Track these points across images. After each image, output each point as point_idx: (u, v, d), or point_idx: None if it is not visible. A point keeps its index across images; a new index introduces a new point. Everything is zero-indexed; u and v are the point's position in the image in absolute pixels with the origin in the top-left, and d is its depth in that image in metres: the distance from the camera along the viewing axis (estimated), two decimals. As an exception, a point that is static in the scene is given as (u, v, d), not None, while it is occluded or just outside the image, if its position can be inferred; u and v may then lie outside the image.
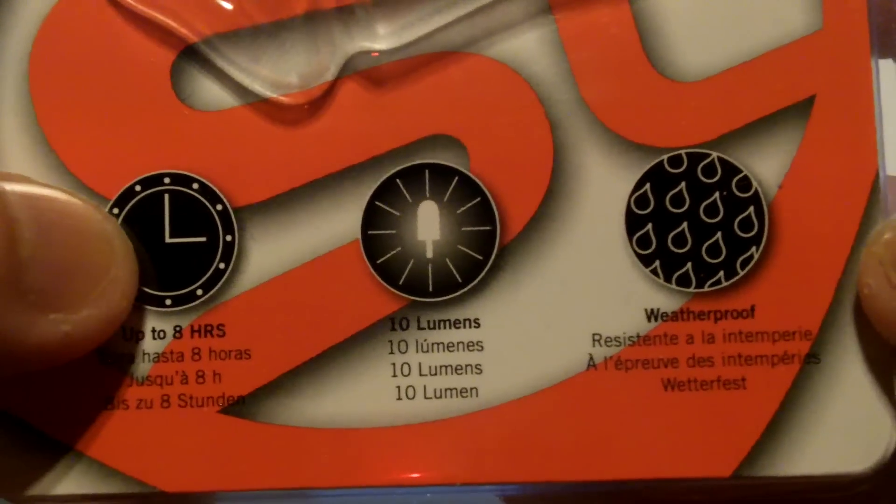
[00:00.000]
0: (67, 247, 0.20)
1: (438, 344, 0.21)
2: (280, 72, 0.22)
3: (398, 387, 0.21)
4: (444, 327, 0.21)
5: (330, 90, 0.22)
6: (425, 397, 0.21)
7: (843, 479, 0.21)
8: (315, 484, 0.21)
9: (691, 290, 0.21)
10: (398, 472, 0.21)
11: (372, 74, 0.22)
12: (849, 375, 0.21)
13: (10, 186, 0.20)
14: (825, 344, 0.21)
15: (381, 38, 0.22)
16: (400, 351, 0.21)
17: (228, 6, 0.22)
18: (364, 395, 0.21)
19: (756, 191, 0.21)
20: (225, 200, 0.21)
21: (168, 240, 0.21)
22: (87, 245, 0.20)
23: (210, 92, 0.22)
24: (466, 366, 0.21)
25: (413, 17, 0.22)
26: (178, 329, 0.21)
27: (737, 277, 0.21)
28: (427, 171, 0.22)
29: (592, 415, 0.21)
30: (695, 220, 0.21)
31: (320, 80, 0.22)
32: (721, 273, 0.21)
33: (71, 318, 0.20)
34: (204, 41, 0.22)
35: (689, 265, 0.21)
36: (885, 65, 0.22)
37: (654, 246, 0.21)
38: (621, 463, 0.21)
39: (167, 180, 0.21)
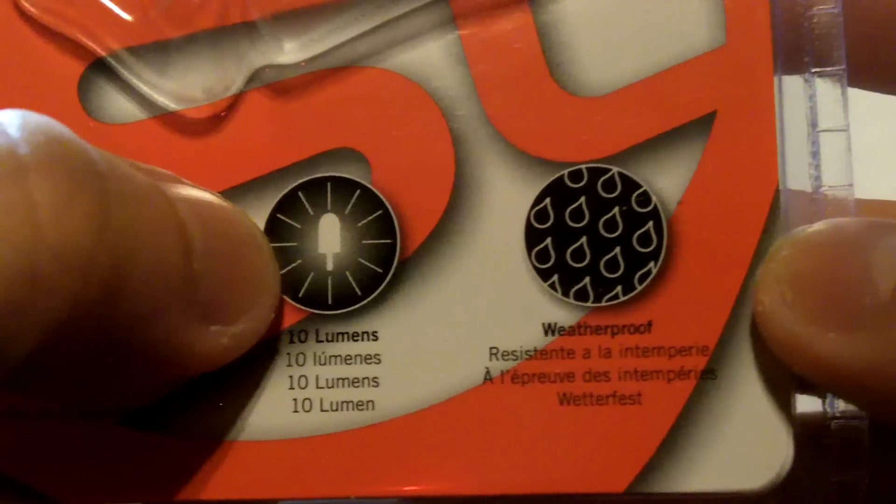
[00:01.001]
0: (230, 256, 0.20)
1: (336, 357, 0.21)
2: (186, 85, 0.22)
3: (294, 399, 0.21)
4: (343, 340, 0.21)
5: (235, 104, 0.22)
6: (322, 410, 0.21)
7: (739, 497, 0.21)
8: (209, 496, 0.21)
9: (589, 304, 0.21)
10: (292, 486, 0.21)
11: (277, 88, 0.22)
12: (745, 392, 0.21)
13: (178, 191, 0.19)
14: (722, 360, 0.21)
15: (287, 52, 0.22)
16: (298, 364, 0.21)
17: (137, 20, 0.22)
18: (261, 408, 0.21)
19: (655, 206, 0.21)
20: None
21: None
22: (244, 254, 0.20)
23: (117, 105, 0.22)
24: (364, 379, 0.21)
25: (319, 31, 0.22)
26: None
27: (634, 292, 0.21)
28: (329, 184, 0.22)
29: (488, 429, 0.21)
30: (594, 234, 0.21)
31: (226, 93, 0.22)
32: (619, 288, 0.21)
33: (230, 331, 0.20)
34: (112, 54, 0.22)
35: (587, 280, 0.21)
36: (793, 81, 0.22)
37: (552, 260, 0.21)
38: (516, 478, 0.21)
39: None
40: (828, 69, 0.22)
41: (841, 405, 0.21)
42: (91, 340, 0.17)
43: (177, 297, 0.18)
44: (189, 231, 0.19)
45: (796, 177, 0.22)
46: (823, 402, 0.21)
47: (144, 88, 0.22)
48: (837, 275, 0.19)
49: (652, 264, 0.21)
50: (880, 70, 0.24)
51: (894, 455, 0.22)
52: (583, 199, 0.21)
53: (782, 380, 0.21)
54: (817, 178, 0.22)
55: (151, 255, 0.18)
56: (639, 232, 0.21)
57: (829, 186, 0.22)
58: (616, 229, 0.21)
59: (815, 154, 0.22)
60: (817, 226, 0.20)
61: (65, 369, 0.18)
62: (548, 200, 0.21)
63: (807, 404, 0.21)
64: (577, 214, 0.21)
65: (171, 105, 0.22)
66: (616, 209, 0.21)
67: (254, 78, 0.22)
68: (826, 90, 0.22)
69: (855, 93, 0.24)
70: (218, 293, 0.19)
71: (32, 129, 0.17)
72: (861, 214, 0.23)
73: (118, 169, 0.18)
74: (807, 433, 0.21)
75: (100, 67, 0.22)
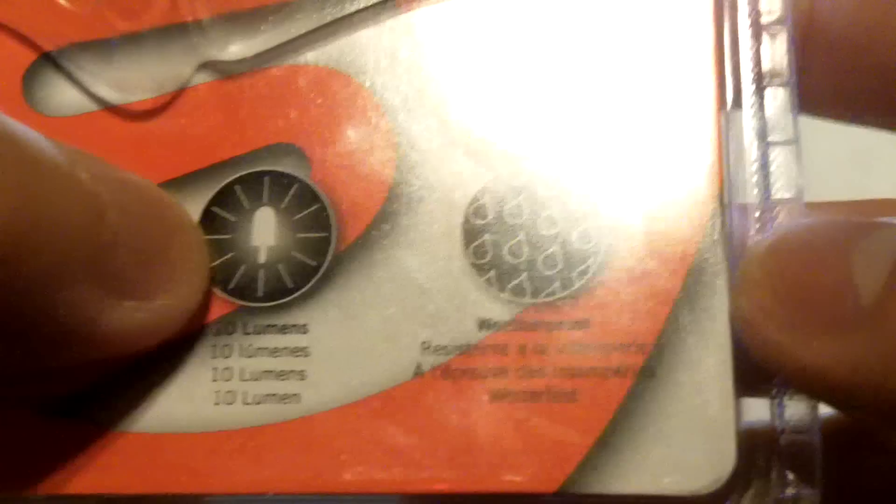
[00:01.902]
0: (147, 234, 0.20)
1: (263, 349, 0.21)
2: (131, 78, 0.22)
3: (217, 392, 0.21)
4: (271, 332, 0.21)
5: (179, 97, 0.22)
6: (244, 403, 0.20)
7: (676, 500, 0.20)
8: (125, 489, 0.20)
9: (525, 300, 0.21)
10: (212, 481, 0.20)
11: (221, 83, 0.22)
12: (683, 392, 0.20)
13: (94, 168, 0.19)
14: (660, 358, 0.20)
15: (232, 48, 0.22)
16: (223, 356, 0.21)
17: (85, 14, 0.22)
18: (182, 400, 0.21)
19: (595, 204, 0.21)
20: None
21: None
22: (165, 234, 0.20)
23: (61, 97, 0.22)
24: (290, 372, 0.21)
25: (263, 28, 0.22)
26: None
27: (572, 289, 0.21)
28: (266, 178, 0.21)
29: (417, 425, 0.20)
30: (532, 231, 0.21)
31: (170, 87, 0.22)
32: (556, 284, 0.21)
33: (146, 307, 0.19)
34: (58, 48, 0.22)
35: (524, 276, 0.21)
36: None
37: (490, 255, 0.21)
38: (444, 475, 0.20)
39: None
40: (776, 81, 0.22)
41: (792, 414, 0.20)
42: None
43: (83, 265, 0.18)
44: (101, 201, 0.18)
45: (743, 187, 0.22)
46: (772, 408, 0.20)
47: (90, 81, 0.22)
48: (817, 279, 0.19)
49: (591, 261, 0.20)
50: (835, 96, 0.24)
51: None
52: (521, 196, 0.21)
53: (723, 381, 0.20)
54: (766, 189, 0.21)
55: (56, 217, 0.17)
56: (578, 229, 0.21)
57: (778, 200, 0.21)
58: (555, 226, 0.21)
59: (764, 167, 0.21)
60: (794, 227, 0.20)
61: None
62: (486, 197, 0.21)
63: (757, 412, 0.21)
64: (516, 211, 0.21)
65: (116, 97, 0.22)
66: (555, 206, 0.21)
67: (198, 73, 0.22)
68: (775, 102, 0.22)
69: None
70: (132, 267, 0.19)
71: None
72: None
73: (12, 130, 0.17)
74: (756, 443, 0.20)
75: (46, 61, 0.22)
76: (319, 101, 0.22)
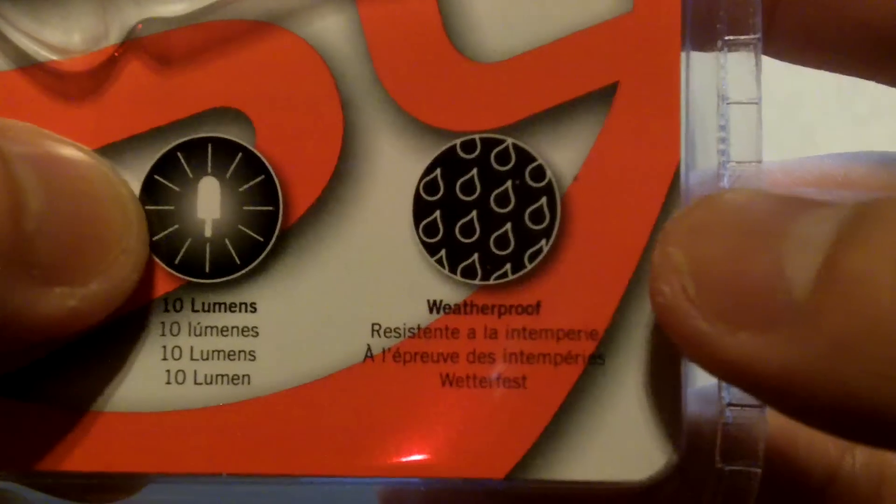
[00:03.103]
0: (78, 216, 0.19)
1: (212, 328, 0.20)
2: (62, 35, 0.21)
3: (168, 371, 0.20)
4: (219, 311, 0.20)
5: (115, 56, 0.21)
6: (195, 383, 0.20)
7: (623, 488, 0.20)
8: (72, 467, 0.20)
9: (476, 282, 0.20)
10: (162, 461, 0.20)
11: (159, 41, 0.21)
12: (633, 379, 0.20)
13: (18, 147, 0.18)
14: (611, 345, 0.20)
15: (172, 2, 0.21)
16: (172, 333, 0.20)
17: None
18: (132, 379, 0.20)
19: (550, 181, 0.20)
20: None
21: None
22: (99, 213, 0.19)
23: (-12, 53, 0.21)
24: (240, 352, 0.20)
25: (203, -19, 0.21)
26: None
27: (524, 271, 0.20)
28: (210, 145, 0.20)
29: (366, 408, 0.20)
30: (484, 209, 0.20)
31: (104, 44, 0.21)
32: (508, 266, 0.20)
33: (78, 292, 0.19)
34: (-18, 0, 0.20)
35: (475, 256, 0.20)
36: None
37: (440, 234, 0.20)
38: (392, 460, 0.20)
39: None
40: (741, 38, 0.20)
41: (735, 393, 0.20)
42: None
43: (2, 255, 0.17)
44: (23, 189, 0.18)
45: (705, 152, 0.21)
46: (719, 390, 0.20)
47: (19, 37, 0.21)
48: (745, 267, 0.18)
49: (543, 242, 0.20)
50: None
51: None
52: (475, 170, 0.20)
53: (673, 369, 0.20)
54: (725, 152, 0.20)
55: None
56: (531, 208, 0.20)
57: (737, 162, 0.20)
58: (508, 204, 0.20)
59: (724, 127, 0.20)
60: (720, 203, 0.19)
61: None
62: (438, 171, 0.20)
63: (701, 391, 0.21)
64: (469, 187, 0.20)
65: (46, 55, 0.21)
66: (509, 183, 0.20)
67: (135, 30, 0.21)
68: (739, 60, 0.21)
69: (854, 95, 0.23)
70: (61, 253, 0.18)
71: None
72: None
73: None
74: (700, 420, 0.20)
75: (-30, 13, 0.21)
76: (265, 62, 0.20)
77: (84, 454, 0.20)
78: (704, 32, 0.21)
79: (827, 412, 0.17)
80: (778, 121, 0.27)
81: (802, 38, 0.22)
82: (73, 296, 0.19)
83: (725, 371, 0.18)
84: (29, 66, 0.21)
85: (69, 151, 0.20)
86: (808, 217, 0.18)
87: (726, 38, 0.21)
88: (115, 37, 0.21)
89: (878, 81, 0.23)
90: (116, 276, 0.19)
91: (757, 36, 0.21)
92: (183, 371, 0.20)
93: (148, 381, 0.20)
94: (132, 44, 0.21)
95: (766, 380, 0.17)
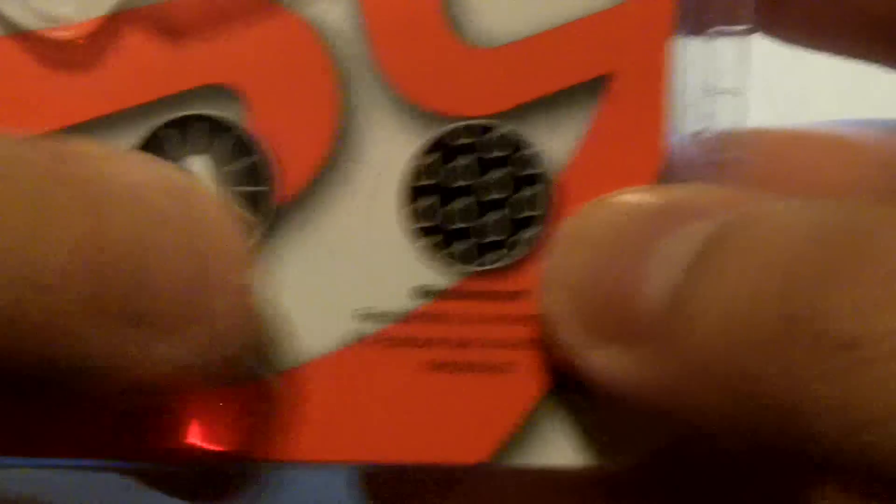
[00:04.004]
0: (179, 252, 0.17)
1: (199, 306, 0.20)
2: (55, 2, 0.20)
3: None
4: (207, 289, 0.20)
5: (106, 27, 0.20)
6: (180, 362, 0.20)
7: (605, 472, 0.20)
8: None
9: (465, 268, 0.20)
10: (136, 448, 0.20)
11: (151, 13, 0.20)
12: (618, 368, 0.20)
13: (104, 175, 0.16)
14: (597, 334, 0.20)
15: (166, -25, 0.20)
16: (159, 311, 0.20)
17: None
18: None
19: (542, 168, 0.20)
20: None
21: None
22: (200, 246, 0.17)
23: (-24, 21, 0.20)
24: (228, 332, 0.20)
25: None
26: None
27: (514, 258, 0.20)
28: (201, 123, 0.20)
29: (352, 394, 0.20)
30: (476, 195, 0.20)
31: (98, 13, 0.20)
32: (497, 253, 0.20)
33: (173, 341, 0.17)
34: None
35: (465, 242, 0.20)
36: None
37: (430, 219, 0.20)
38: (378, 445, 0.20)
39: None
40: (731, 28, 0.21)
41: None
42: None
43: (84, 303, 0.16)
44: (110, 223, 0.16)
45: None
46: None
47: (7, 3, 0.20)
48: (615, 281, 0.18)
49: (534, 229, 0.20)
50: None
51: None
52: (467, 156, 0.20)
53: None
54: (711, 142, 0.21)
55: (49, 257, 0.15)
56: (523, 194, 0.20)
57: (723, 151, 0.21)
58: (499, 191, 0.20)
59: (710, 116, 0.21)
60: (600, 213, 0.19)
61: None
62: (432, 155, 0.20)
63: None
64: (461, 172, 0.20)
65: (27, 22, 0.20)
66: (501, 169, 0.20)
67: (130, 0, 0.20)
68: (727, 50, 0.21)
69: (855, 95, 0.23)
70: (159, 302, 0.16)
71: None
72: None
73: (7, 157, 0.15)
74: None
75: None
76: (259, 38, 0.20)
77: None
78: (696, 23, 0.21)
79: (679, 424, 0.18)
80: (778, 121, 0.27)
81: (807, 21, 0.23)
82: (174, 345, 0.17)
83: (596, 382, 0.18)
84: (20, 34, 0.20)
85: (169, 175, 0.18)
86: (676, 233, 0.18)
87: (716, 28, 0.21)
88: (109, 6, 0.20)
89: (883, 65, 0.23)
90: (216, 328, 0.17)
91: (746, 27, 0.21)
92: (169, 349, 0.20)
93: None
94: (128, 14, 0.20)
95: (629, 394, 0.18)
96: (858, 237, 0.16)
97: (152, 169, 0.18)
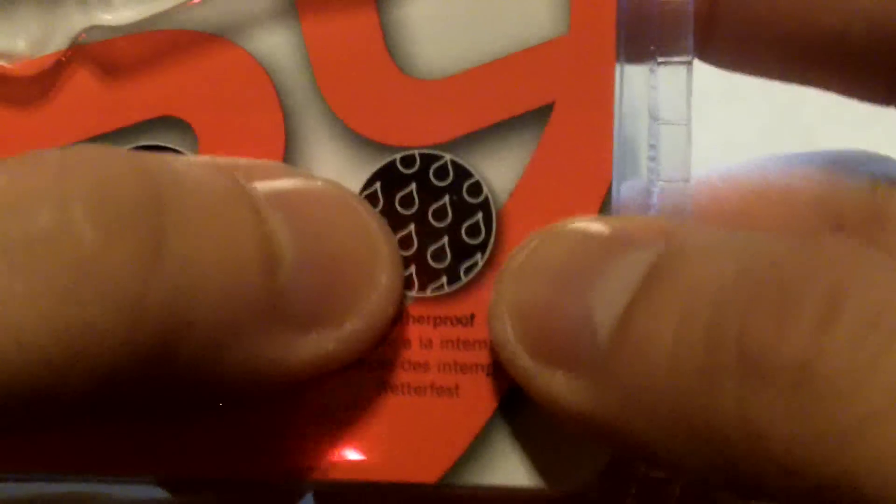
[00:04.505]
0: (328, 258, 0.18)
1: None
2: (7, 39, 0.21)
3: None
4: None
5: (61, 62, 0.21)
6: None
7: (554, 495, 0.21)
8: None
9: (413, 293, 0.21)
10: (85, 461, 0.21)
11: (103, 49, 0.21)
12: (562, 390, 0.21)
13: (265, 187, 0.18)
14: (541, 357, 0.21)
15: (116, 12, 0.21)
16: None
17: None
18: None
19: (486, 197, 0.21)
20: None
21: None
22: (348, 251, 0.19)
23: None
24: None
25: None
26: None
27: (459, 284, 0.21)
28: (155, 152, 0.21)
29: (301, 414, 0.21)
30: (422, 223, 0.21)
31: (49, 49, 0.21)
32: (444, 278, 0.21)
33: (333, 335, 0.19)
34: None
35: (412, 268, 0.21)
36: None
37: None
38: (326, 464, 0.21)
39: None
40: (674, 59, 0.21)
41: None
42: (158, 378, 0.16)
43: (258, 315, 0.17)
44: (277, 240, 0.18)
45: (636, 171, 0.22)
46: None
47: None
48: (561, 309, 0.19)
49: (479, 256, 0.21)
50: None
51: None
52: (413, 185, 0.21)
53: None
54: (654, 170, 0.21)
55: (223, 280, 0.17)
56: (468, 223, 0.21)
57: (666, 181, 0.21)
58: (445, 218, 0.21)
59: (654, 147, 0.21)
60: (547, 242, 0.20)
61: (132, 405, 0.17)
62: (378, 185, 0.21)
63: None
64: (407, 201, 0.21)
65: (-11, 61, 0.21)
66: (446, 198, 0.21)
67: (80, 37, 0.21)
68: (670, 81, 0.21)
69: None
70: (314, 299, 0.18)
71: (76, 158, 0.16)
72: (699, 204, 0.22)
73: (181, 183, 0.17)
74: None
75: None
76: (208, 72, 0.21)
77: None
78: (638, 55, 0.21)
79: (629, 454, 0.19)
80: (778, 121, 0.27)
81: (740, 47, 0.23)
82: (328, 339, 0.19)
83: (547, 408, 0.19)
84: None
85: (315, 186, 0.19)
86: (619, 261, 0.19)
87: (659, 59, 0.21)
88: (60, 42, 0.21)
89: (816, 87, 0.24)
90: (370, 314, 0.19)
91: (688, 58, 0.21)
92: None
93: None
94: (78, 50, 0.21)
95: (574, 419, 0.19)
96: (786, 270, 0.17)
97: (302, 177, 0.19)
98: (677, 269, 0.17)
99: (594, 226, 0.20)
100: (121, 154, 0.17)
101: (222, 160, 0.19)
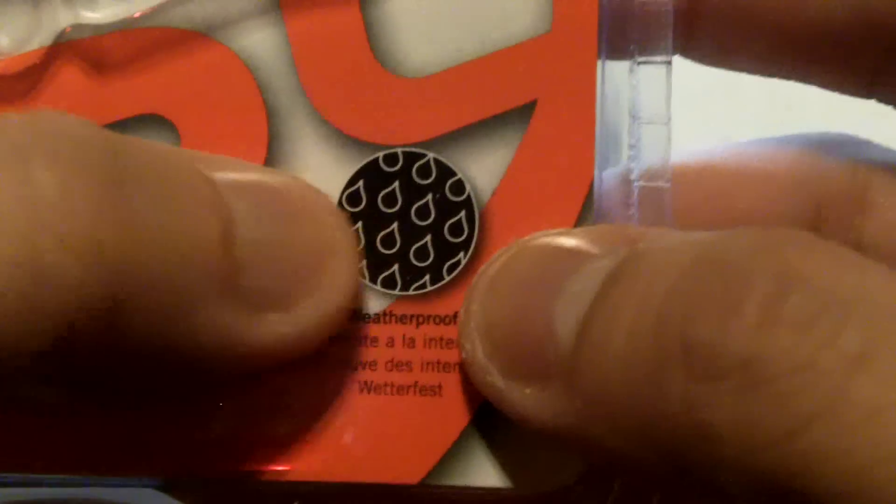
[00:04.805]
0: (285, 239, 0.19)
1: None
2: (-11, 37, 0.21)
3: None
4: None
5: (43, 61, 0.21)
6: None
7: (533, 494, 0.21)
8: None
9: (396, 292, 0.21)
10: (68, 462, 0.20)
11: (91, 45, 0.21)
12: (545, 389, 0.21)
13: (226, 176, 0.18)
14: (524, 355, 0.21)
15: (102, 8, 0.21)
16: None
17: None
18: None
19: (469, 195, 0.21)
20: None
21: None
22: (305, 235, 0.19)
23: None
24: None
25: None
26: None
27: (442, 282, 0.21)
28: (136, 152, 0.21)
29: (286, 414, 0.21)
30: (405, 221, 0.21)
31: (33, 46, 0.21)
32: (427, 277, 0.21)
33: (290, 318, 0.19)
34: None
35: (395, 267, 0.21)
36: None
37: (361, 245, 0.21)
38: (307, 464, 0.20)
39: None
40: (654, 59, 0.21)
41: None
42: (113, 342, 0.16)
43: (214, 285, 0.17)
44: (231, 214, 0.18)
45: (615, 167, 0.22)
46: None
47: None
48: (526, 324, 0.19)
49: (462, 255, 0.21)
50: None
51: None
52: (396, 183, 0.21)
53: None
54: (634, 170, 0.21)
55: (179, 242, 0.17)
56: (451, 221, 0.21)
57: (646, 181, 0.21)
58: (428, 217, 0.21)
59: (635, 146, 0.21)
60: (511, 259, 0.20)
61: (90, 367, 0.17)
62: (361, 183, 0.21)
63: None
64: (390, 199, 0.21)
65: (-28, 58, 0.21)
66: (429, 196, 0.21)
67: (64, 35, 0.21)
68: (650, 81, 0.21)
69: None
70: (271, 279, 0.18)
71: (38, 116, 0.16)
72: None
73: (140, 151, 0.17)
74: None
75: None
76: (191, 70, 0.21)
77: None
78: (619, 54, 0.21)
79: (596, 461, 0.19)
80: (778, 121, 0.27)
81: (719, 43, 0.23)
82: (283, 322, 0.19)
83: (521, 423, 0.19)
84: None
85: (275, 178, 0.20)
86: (580, 272, 0.19)
87: (639, 59, 0.21)
88: (45, 39, 0.21)
89: (798, 80, 0.24)
90: (323, 300, 0.19)
91: (668, 58, 0.21)
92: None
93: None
94: (63, 47, 0.21)
95: (547, 432, 0.19)
96: (730, 267, 0.16)
97: (262, 170, 0.20)
98: (632, 274, 0.17)
99: (558, 239, 0.20)
100: (82, 119, 0.17)
101: (184, 150, 0.19)
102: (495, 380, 0.19)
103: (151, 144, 0.18)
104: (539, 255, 0.19)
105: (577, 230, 0.20)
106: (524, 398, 0.19)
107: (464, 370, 0.20)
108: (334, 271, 0.19)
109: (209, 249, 0.17)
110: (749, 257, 0.16)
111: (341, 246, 0.19)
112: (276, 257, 0.18)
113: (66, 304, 0.16)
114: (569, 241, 0.19)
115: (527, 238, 0.20)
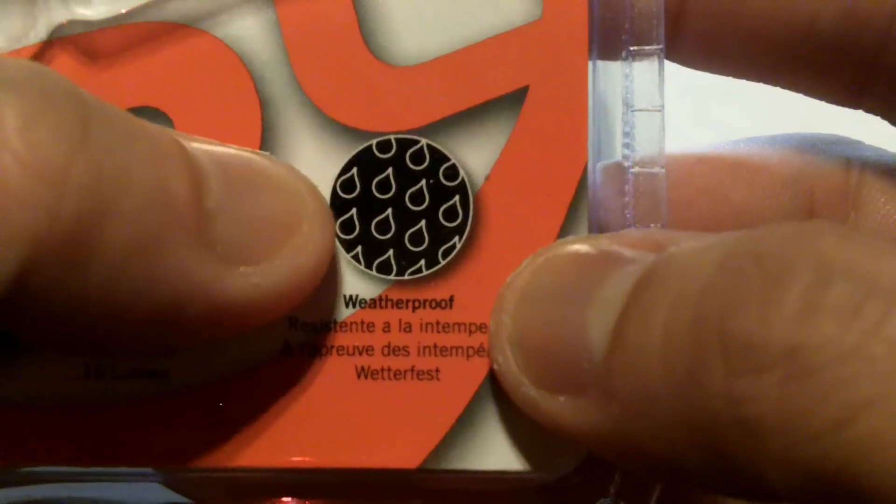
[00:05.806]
0: (256, 200, 0.19)
1: (131, 323, 0.21)
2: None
3: (87, 364, 0.21)
4: (139, 306, 0.21)
5: (40, 55, 0.21)
6: (114, 378, 0.21)
7: (535, 479, 0.21)
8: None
9: (391, 277, 0.21)
10: (83, 455, 0.20)
11: (85, 39, 0.21)
12: (543, 371, 0.21)
13: (197, 144, 0.19)
14: (521, 338, 0.21)
15: (94, 6, 0.21)
16: (91, 328, 0.21)
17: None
18: (52, 372, 0.21)
19: (463, 180, 0.21)
20: None
21: None
22: (277, 200, 0.19)
23: None
24: (159, 346, 0.21)
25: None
26: None
27: (437, 267, 0.21)
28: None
29: (284, 402, 0.21)
30: (400, 207, 0.21)
31: (28, 41, 0.21)
32: (422, 262, 0.21)
33: (260, 271, 0.19)
34: None
35: (390, 252, 0.21)
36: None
37: (356, 231, 0.21)
38: (309, 451, 0.20)
39: None
40: (645, 48, 0.21)
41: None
42: (82, 261, 0.16)
43: (186, 231, 0.18)
44: (202, 170, 0.18)
45: (611, 155, 0.22)
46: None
47: (-61, 36, 0.21)
48: (558, 334, 0.19)
49: (456, 239, 0.21)
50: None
51: None
52: (390, 170, 0.21)
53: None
54: (629, 158, 0.21)
55: (148, 181, 0.17)
56: (445, 206, 0.21)
57: (640, 167, 0.21)
58: (422, 202, 0.21)
59: (629, 133, 0.21)
60: (541, 268, 0.20)
61: (58, 299, 0.17)
62: (355, 170, 0.21)
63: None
64: (384, 186, 0.21)
65: (-31, 53, 0.21)
66: (423, 182, 0.21)
67: (59, 31, 0.21)
68: (643, 69, 0.21)
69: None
70: (242, 233, 0.19)
71: (9, 61, 0.17)
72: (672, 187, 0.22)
73: (110, 107, 0.17)
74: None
75: None
76: (185, 63, 0.21)
77: (4, 448, 0.21)
78: (610, 42, 0.22)
79: (636, 467, 0.18)
80: (778, 120, 0.27)
81: (706, 46, 0.23)
82: (255, 274, 0.19)
83: (558, 432, 0.19)
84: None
85: (246, 152, 0.20)
86: (610, 279, 0.19)
87: (631, 48, 0.21)
88: (40, 35, 0.21)
89: (780, 86, 0.24)
90: (298, 261, 0.19)
91: (660, 46, 0.22)
92: (102, 364, 0.21)
93: (68, 374, 0.21)
94: (58, 41, 0.21)
95: (585, 440, 0.18)
96: (768, 259, 0.16)
97: (237, 147, 0.20)
98: (664, 276, 0.17)
99: (584, 247, 0.20)
100: (55, 71, 0.18)
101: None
102: (529, 391, 0.19)
103: (124, 111, 0.18)
104: (567, 264, 0.19)
105: (603, 236, 0.20)
106: (560, 408, 0.18)
107: (501, 380, 0.20)
108: (306, 234, 0.19)
109: (178, 197, 0.17)
110: (786, 249, 0.16)
111: (314, 211, 0.19)
112: (248, 215, 0.19)
113: (32, 223, 0.16)
114: (596, 249, 0.19)
115: (552, 246, 0.20)
